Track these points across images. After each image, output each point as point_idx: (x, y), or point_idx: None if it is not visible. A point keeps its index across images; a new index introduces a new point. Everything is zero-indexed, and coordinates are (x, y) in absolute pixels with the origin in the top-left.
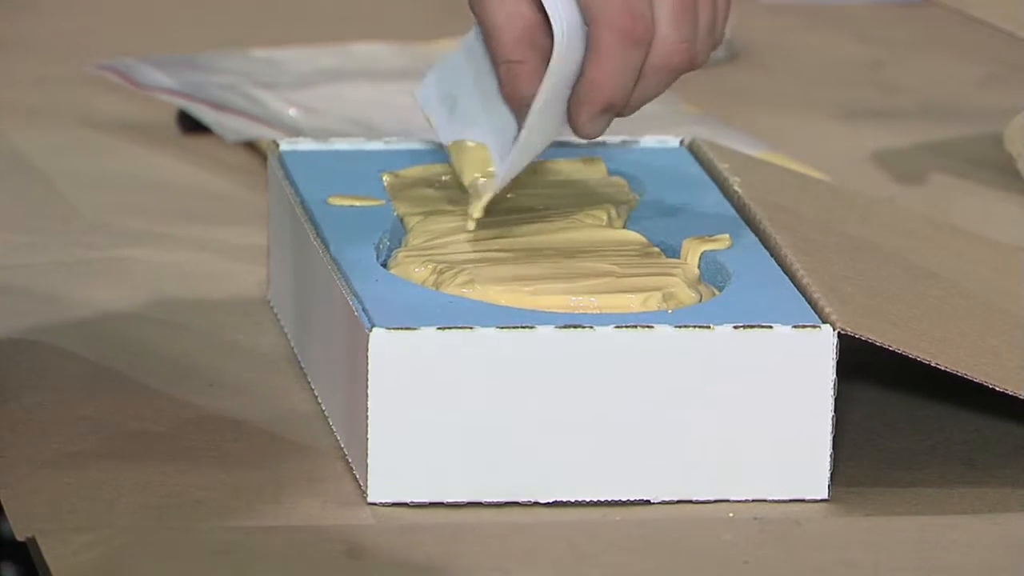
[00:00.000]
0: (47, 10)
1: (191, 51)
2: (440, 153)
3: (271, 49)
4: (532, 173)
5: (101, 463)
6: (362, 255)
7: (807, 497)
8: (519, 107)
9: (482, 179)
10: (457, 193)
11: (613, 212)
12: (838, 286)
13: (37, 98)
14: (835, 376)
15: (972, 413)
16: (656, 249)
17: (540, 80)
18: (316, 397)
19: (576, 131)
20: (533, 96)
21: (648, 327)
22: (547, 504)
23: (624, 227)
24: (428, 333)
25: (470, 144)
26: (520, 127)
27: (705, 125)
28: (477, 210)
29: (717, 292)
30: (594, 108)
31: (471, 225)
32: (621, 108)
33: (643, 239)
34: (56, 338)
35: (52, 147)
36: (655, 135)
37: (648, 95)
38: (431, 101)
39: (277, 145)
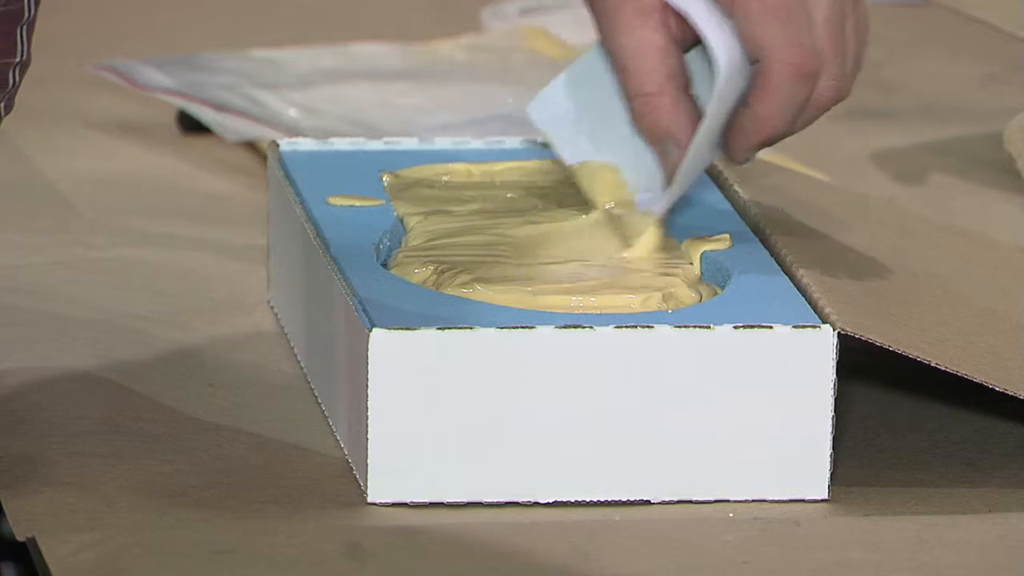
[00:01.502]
0: (47, 10)
1: (191, 51)
2: (440, 153)
3: (271, 49)
4: (532, 173)
5: (101, 463)
6: (362, 255)
7: (807, 497)
8: (657, 140)
9: (622, 211)
10: (457, 193)
11: (614, 211)
12: (838, 286)
13: (37, 98)
14: (835, 376)
15: (972, 413)
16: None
17: (678, 112)
18: (316, 397)
19: (731, 158)
20: (671, 128)
21: (648, 327)
22: (547, 504)
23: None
24: (428, 333)
25: (598, 166)
26: (660, 157)
27: None
28: (642, 250)
29: (718, 291)
30: (756, 140)
31: (639, 253)
32: (779, 139)
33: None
34: (56, 338)
35: (52, 147)
36: None
37: (800, 128)
38: (549, 118)
39: (277, 145)
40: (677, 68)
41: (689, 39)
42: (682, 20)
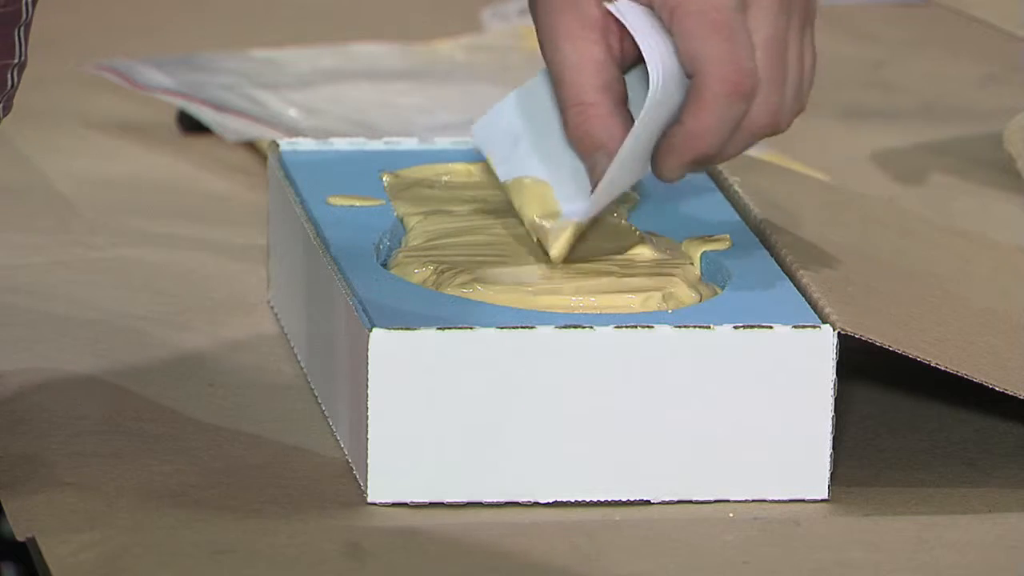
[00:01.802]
0: (47, 10)
1: (191, 51)
2: (440, 153)
3: (271, 49)
4: None
5: (101, 463)
6: (362, 255)
7: (807, 497)
8: (588, 149)
9: (547, 221)
10: (457, 193)
11: (613, 211)
12: (838, 286)
13: (37, 98)
14: (835, 376)
15: (972, 413)
16: (657, 249)
17: (612, 123)
18: (316, 397)
19: (659, 175)
20: (603, 139)
21: (648, 327)
22: (547, 504)
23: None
24: (428, 333)
25: (529, 181)
26: (589, 168)
27: None
28: (557, 251)
29: (718, 290)
30: (686, 158)
31: (554, 254)
32: (709, 161)
33: (644, 236)
34: (56, 338)
35: (52, 147)
36: None
37: (732, 153)
38: (489, 138)
39: (277, 145)
40: (613, 81)
41: (629, 58)
42: (624, 38)
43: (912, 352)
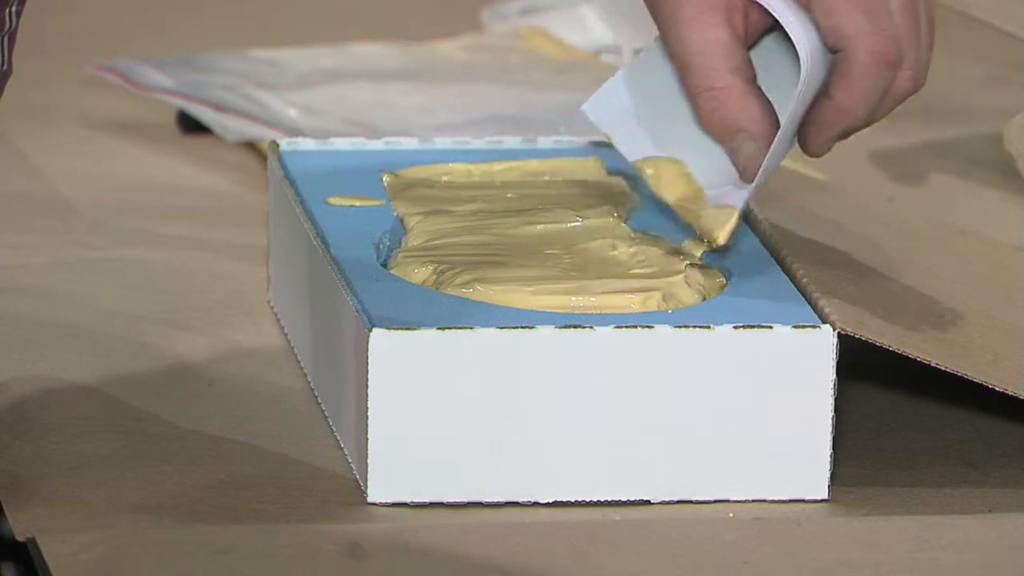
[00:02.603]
0: (47, 10)
1: (191, 51)
2: (440, 153)
3: (271, 50)
4: (532, 173)
5: (101, 463)
6: (362, 255)
7: (807, 497)
8: (728, 134)
9: (697, 205)
10: (457, 193)
11: (614, 212)
12: (838, 286)
13: (37, 98)
14: (835, 376)
15: (972, 413)
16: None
17: (748, 105)
18: (316, 397)
19: (808, 151)
20: (742, 122)
21: (648, 327)
22: (547, 504)
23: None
24: (428, 333)
25: (664, 161)
26: (732, 150)
27: None
28: (724, 237)
29: (724, 280)
30: (836, 131)
31: (722, 240)
32: (857, 131)
33: (645, 236)
34: (56, 338)
35: (52, 147)
36: None
37: (878, 119)
38: (606, 116)
39: (277, 145)
40: (743, 63)
41: (754, 34)
42: (745, 16)
43: (912, 352)
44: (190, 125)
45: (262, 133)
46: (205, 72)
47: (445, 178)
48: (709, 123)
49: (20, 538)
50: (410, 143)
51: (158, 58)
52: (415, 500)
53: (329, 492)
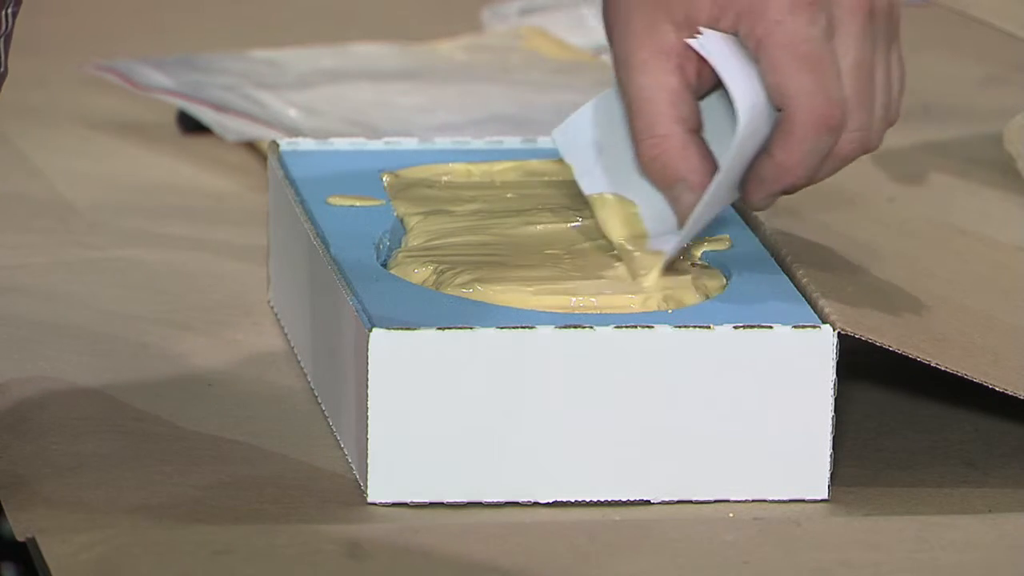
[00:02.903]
0: (47, 10)
1: (191, 52)
2: (440, 153)
3: (271, 50)
4: (532, 173)
5: (101, 463)
6: (362, 255)
7: (807, 497)
8: (666, 182)
9: (634, 245)
10: (457, 193)
11: None
12: (838, 286)
13: (37, 98)
14: (835, 376)
15: (972, 413)
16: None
17: (688, 155)
18: (316, 397)
19: (748, 204)
20: (681, 172)
21: (648, 327)
22: (547, 504)
23: None
24: (428, 333)
25: (613, 199)
26: (671, 200)
27: None
28: (651, 281)
29: (724, 280)
30: (775, 188)
31: (647, 288)
32: (799, 188)
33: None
34: (56, 338)
35: (52, 147)
36: None
37: (822, 178)
38: (572, 146)
39: (277, 145)
40: (688, 112)
41: (706, 84)
42: (701, 64)
43: (912, 352)
44: (190, 125)
45: (262, 133)
46: (205, 72)
47: (445, 178)
48: (650, 170)
49: (20, 538)
50: (410, 143)
51: (158, 58)
52: (415, 500)
53: (329, 492)
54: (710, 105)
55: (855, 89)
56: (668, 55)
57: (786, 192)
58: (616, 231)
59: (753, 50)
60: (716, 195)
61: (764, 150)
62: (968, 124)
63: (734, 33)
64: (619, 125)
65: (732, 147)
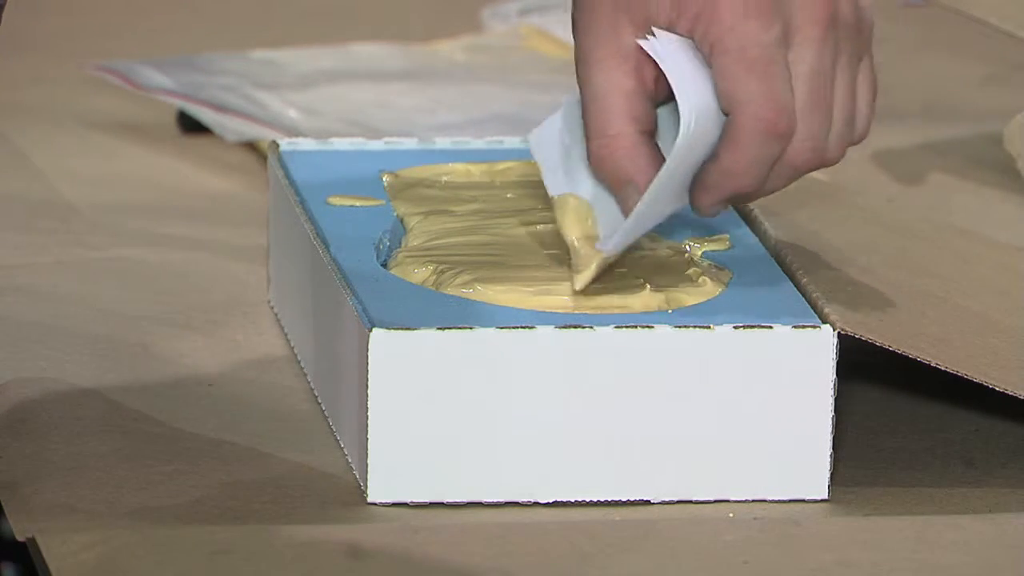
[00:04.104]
0: (47, 10)
1: (191, 52)
2: (440, 153)
3: (271, 50)
4: (532, 173)
5: (101, 463)
6: (362, 255)
7: (807, 497)
8: (614, 182)
9: (581, 245)
10: (457, 193)
11: None
12: (838, 286)
13: (37, 98)
14: (835, 376)
15: (972, 413)
16: (660, 247)
17: (637, 156)
18: (316, 397)
19: (696, 209)
20: (629, 172)
21: (648, 327)
22: (547, 504)
23: None
24: (428, 333)
25: (573, 200)
26: (620, 200)
27: None
28: (580, 283)
29: (725, 280)
30: (722, 194)
31: (577, 286)
32: (750, 197)
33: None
34: (56, 338)
35: (52, 147)
36: None
37: (773, 188)
38: (543, 147)
39: (277, 145)
40: (641, 113)
41: (665, 90)
42: (659, 70)
43: (912, 352)
44: (190, 125)
45: (262, 133)
46: (205, 73)
47: (445, 178)
48: (599, 169)
49: (20, 538)
50: (410, 143)
51: (158, 59)
52: (415, 500)
53: (329, 492)
54: (670, 111)
55: (808, 97)
56: (626, 56)
57: (737, 200)
58: (569, 230)
59: (707, 55)
60: (659, 198)
61: (712, 155)
62: (968, 124)
63: (690, 37)
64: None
65: (675, 149)
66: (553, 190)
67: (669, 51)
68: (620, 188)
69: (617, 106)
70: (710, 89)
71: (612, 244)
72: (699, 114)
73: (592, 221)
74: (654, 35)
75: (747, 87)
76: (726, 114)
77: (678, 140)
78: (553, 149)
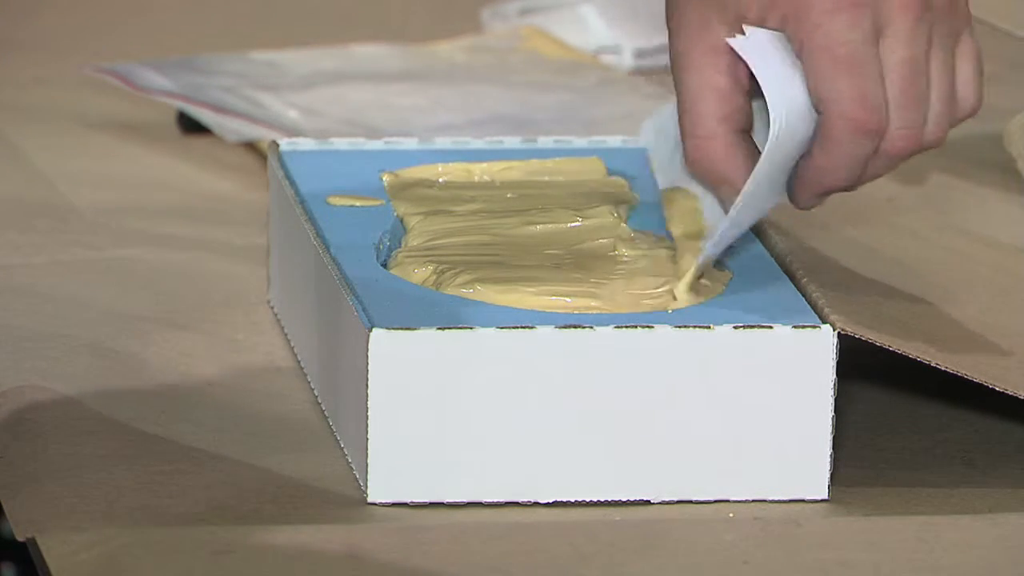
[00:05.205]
0: (47, 10)
1: (191, 53)
2: (440, 153)
3: (271, 51)
4: (532, 173)
5: (101, 463)
6: (362, 255)
7: (807, 497)
8: (711, 182)
9: (683, 248)
10: (457, 193)
11: (614, 212)
12: (838, 286)
13: (37, 98)
14: (835, 376)
15: (972, 413)
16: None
17: (731, 156)
18: (316, 397)
19: (795, 204)
20: (724, 172)
21: (648, 327)
22: (547, 504)
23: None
24: (428, 333)
25: (680, 195)
26: (719, 199)
27: None
28: (681, 291)
29: (725, 280)
30: (819, 190)
31: (679, 296)
32: (849, 189)
33: (645, 236)
34: (56, 338)
35: (52, 147)
36: None
37: (873, 177)
38: (653, 140)
39: (277, 145)
40: (735, 111)
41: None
42: None
43: (912, 352)
44: (190, 125)
45: (262, 134)
46: (205, 74)
47: (445, 178)
48: (694, 170)
49: (20, 538)
50: (410, 143)
51: (158, 60)
52: (415, 500)
53: (329, 492)
54: (764, 106)
55: (900, 88)
56: (719, 53)
57: (832, 193)
58: (678, 225)
59: (797, 52)
60: (756, 194)
61: (807, 152)
62: (968, 124)
63: (782, 31)
64: None
65: (766, 150)
66: (662, 183)
67: (759, 48)
68: (716, 188)
69: (709, 106)
70: (802, 85)
71: (712, 245)
72: (789, 112)
73: (698, 216)
74: (744, 32)
75: (835, 85)
76: (818, 112)
77: (768, 142)
78: (663, 143)
